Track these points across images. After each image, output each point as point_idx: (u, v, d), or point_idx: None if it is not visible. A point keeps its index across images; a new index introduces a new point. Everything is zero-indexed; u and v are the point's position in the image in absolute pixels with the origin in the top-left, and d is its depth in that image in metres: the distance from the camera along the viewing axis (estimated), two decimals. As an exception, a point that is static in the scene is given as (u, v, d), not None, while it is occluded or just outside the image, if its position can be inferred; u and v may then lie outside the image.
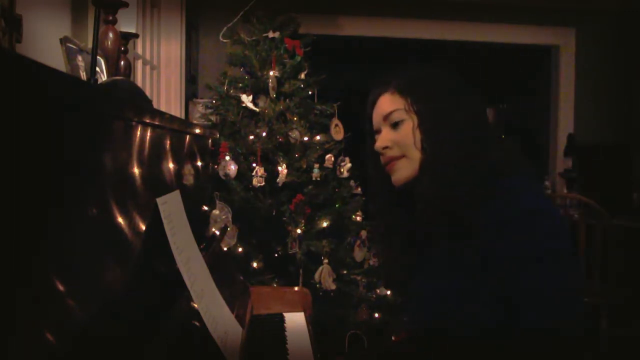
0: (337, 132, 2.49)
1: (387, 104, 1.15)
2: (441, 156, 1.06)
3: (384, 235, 1.25)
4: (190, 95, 3.36)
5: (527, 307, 0.93)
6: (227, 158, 2.25)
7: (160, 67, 2.94)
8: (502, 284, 0.95)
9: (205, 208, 1.46)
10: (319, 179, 2.36)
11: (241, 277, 1.55)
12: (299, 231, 2.26)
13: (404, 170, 1.13)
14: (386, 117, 1.15)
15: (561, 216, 1.03)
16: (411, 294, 1.15)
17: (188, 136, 1.29)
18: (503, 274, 0.95)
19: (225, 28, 2.61)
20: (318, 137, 2.44)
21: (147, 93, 2.27)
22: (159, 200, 0.86)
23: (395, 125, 1.13)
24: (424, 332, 1.10)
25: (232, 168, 2.25)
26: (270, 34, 2.45)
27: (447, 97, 1.12)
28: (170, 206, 0.92)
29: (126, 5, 1.49)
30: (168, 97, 3.02)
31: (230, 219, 1.64)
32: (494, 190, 1.00)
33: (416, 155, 1.10)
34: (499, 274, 0.95)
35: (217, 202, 1.57)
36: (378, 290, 2.47)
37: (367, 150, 1.23)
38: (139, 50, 2.55)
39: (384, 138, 1.15)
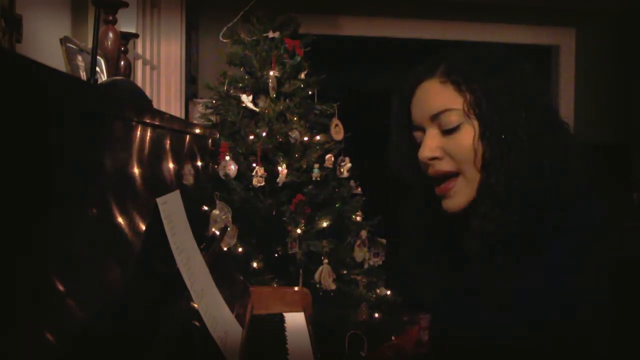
0: (337, 132, 2.50)
1: (437, 97, 0.89)
2: (512, 180, 0.83)
3: (413, 256, 1.03)
4: (190, 95, 3.36)
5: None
6: (227, 158, 2.25)
7: (160, 67, 2.94)
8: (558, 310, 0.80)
9: (205, 208, 1.46)
10: (319, 179, 2.36)
11: (241, 277, 1.55)
12: (299, 231, 2.26)
13: (460, 197, 0.88)
14: (435, 117, 0.88)
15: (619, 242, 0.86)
16: (449, 318, 0.97)
17: (188, 136, 1.29)
18: (564, 299, 0.80)
19: (225, 28, 2.61)
20: (318, 137, 2.44)
21: (147, 93, 2.27)
22: (159, 200, 0.86)
23: (448, 131, 0.87)
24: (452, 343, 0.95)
25: (232, 168, 2.25)
26: (270, 34, 2.45)
27: (517, 92, 0.86)
28: (170, 206, 0.91)
29: (126, 5, 1.49)
30: (168, 97, 3.02)
31: (230, 219, 1.64)
32: (571, 208, 0.82)
33: (474, 175, 0.86)
34: (558, 299, 0.80)
35: (217, 202, 1.56)
36: (378, 290, 2.47)
37: (396, 149, 0.98)
38: (139, 50, 2.55)
39: (432, 146, 0.88)
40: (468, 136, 0.86)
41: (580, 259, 0.81)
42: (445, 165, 0.89)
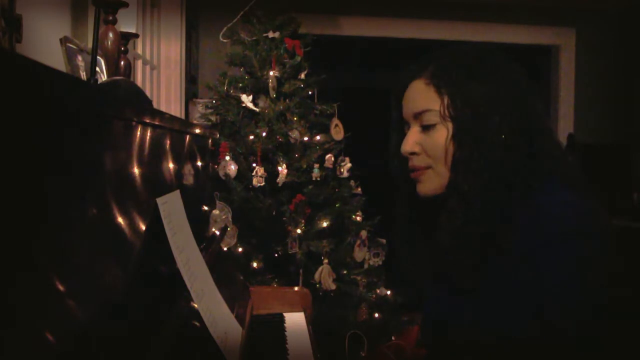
0: (337, 132, 2.50)
1: (420, 98, 0.97)
2: (477, 180, 0.90)
3: (402, 239, 1.10)
4: (190, 95, 3.36)
5: (555, 325, 0.83)
6: (227, 158, 2.26)
7: (160, 67, 2.94)
8: (534, 307, 0.85)
9: (205, 208, 1.46)
10: (319, 179, 2.36)
11: (241, 277, 1.55)
12: (299, 231, 2.26)
13: (429, 184, 0.97)
14: (417, 115, 0.97)
15: (604, 238, 0.88)
16: (429, 310, 1.05)
17: (188, 136, 1.29)
18: (535, 298, 0.85)
19: (225, 28, 2.61)
20: (318, 137, 2.45)
21: (147, 93, 2.27)
22: (159, 200, 0.86)
23: (426, 128, 0.96)
24: (439, 346, 1.00)
25: (232, 168, 2.25)
26: (270, 34, 2.45)
27: (495, 99, 0.91)
28: (170, 206, 0.91)
29: (126, 5, 1.49)
30: (168, 97, 3.02)
31: (230, 219, 1.64)
32: (530, 206, 0.87)
33: (443, 171, 0.94)
34: (532, 298, 0.85)
35: (217, 202, 1.56)
36: (378, 290, 2.48)
37: (393, 142, 1.06)
38: (139, 50, 2.55)
39: (412, 141, 0.97)
40: (442, 136, 0.94)
41: (545, 260, 0.85)
42: (420, 161, 0.97)
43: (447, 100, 0.93)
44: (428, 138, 0.96)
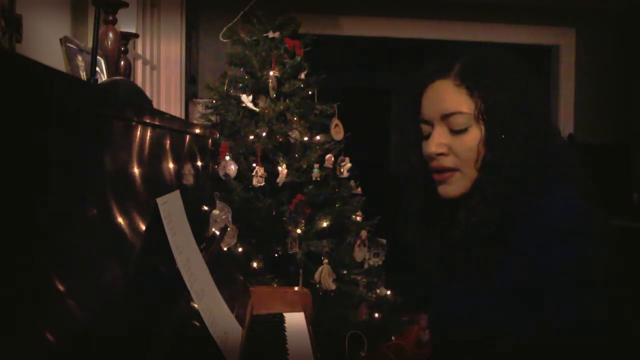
0: (337, 132, 2.50)
1: (450, 99, 0.95)
2: (502, 179, 0.91)
3: (413, 240, 1.10)
4: (190, 95, 3.36)
5: (560, 329, 0.84)
6: (227, 158, 2.25)
7: (160, 67, 2.94)
8: (538, 307, 0.86)
9: (205, 208, 1.46)
10: (319, 179, 2.36)
11: (241, 277, 1.55)
12: (299, 231, 2.26)
13: (455, 186, 0.96)
14: (446, 117, 0.95)
15: (605, 238, 0.90)
16: (439, 305, 1.06)
17: (188, 136, 1.29)
18: (539, 297, 0.86)
19: (225, 28, 2.61)
20: (318, 137, 2.44)
21: (147, 93, 2.27)
22: (159, 200, 0.86)
23: (457, 130, 0.94)
24: (448, 343, 1.01)
25: (232, 168, 2.25)
26: (270, 34, 2.45)
27: (522, 102, 0.93)
28: (170, 206, 0.91)
29: (126, 5, 1.49)
30: (168, 97, 3.02)
31: (230, 219, 1.64)
32: (534, 206, 0.89)
33: (471, 173, 0.94)
34: (534, 298, 0.86)
35: (217, 202, 1.56)
36: (378, 290, 2.47)
37: (402, 140, 1.06)
38: (139, 50, 2.55)
39: (440, 142, 0.96)
40: (474, 138, 0.93)
41: (546, 259, 0.86)
42: (449, 162, 0.96)
43: (481, 104, 0.92)
44: (458, 140, 0.94)
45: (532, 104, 0.95)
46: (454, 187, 0.96)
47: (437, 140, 0.96)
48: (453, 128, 0.95)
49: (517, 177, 0.91)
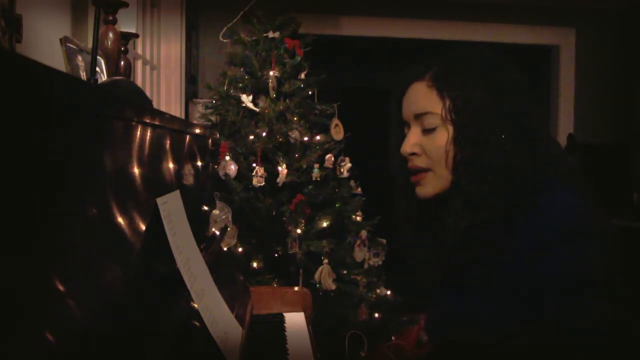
0: (337, 132, 2.50)
1: (421, 99, 0.98)
2: (482, 183, 0.90)
3: (407, 241, 1.12)
4: (190, 95, 3.36)
5: (559, 330, 0.84)
6: (227, 158, 2.25)
7: (160, 67, 2.94)
8: (538, 307, 0.86)
9: (205, 208, 1.46)
10: (319, 179, 2.36)
11: (241, 277, 1.55)
12: (299, 231, 2.26)
13: (429, 187, 0.98)
14: (418, 117, 0.98)
15: (605, 238, 0.89)
16: (437, 308, 1.05)
17: (188, 136, 1.29)
18: (539, 297, 0.85)
19: (225, 28, 2.61)
20: (318, 137, 2.44)
21: (147, 93, 2.27)
22: (159, 200, 0.86)
23: (427, 130, 0.97)
24: (446, 346, 1.01)
25: (232, 168, 2.25)
26: (270, 34, 2.45)
27: (495, 102, 0.93)
28: (170, 206, 0.91)
29: (126, 5, 1.49)
30: (168, 97, 3.02)
31: (230, 219, 1.64)
32: (532, 207, 0.88)
33: (444, 173, 0.96)
34: (534, 298, 0.86)
35: (217, 202, 1.56)
36: (378, 290, 2.47)
37: (393, 141, 1.08)
38: (139, 50, 2.55)
39: (413, 142, 0.99)
40: (442, 138, 0.95)
41: (546, 260, 0.85)
42: (421, 162, 0.98)
43: (449, 104, 0.94)
44: (429, 140, 0.97)
45: (512, 104, 0.94)
46: (427, 187, 0.98)
47: (411, 141, 0.99)
48: (424, 128, 0.97)
49: (498, 177, 0.90)
